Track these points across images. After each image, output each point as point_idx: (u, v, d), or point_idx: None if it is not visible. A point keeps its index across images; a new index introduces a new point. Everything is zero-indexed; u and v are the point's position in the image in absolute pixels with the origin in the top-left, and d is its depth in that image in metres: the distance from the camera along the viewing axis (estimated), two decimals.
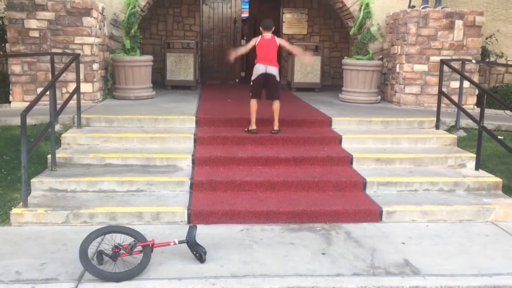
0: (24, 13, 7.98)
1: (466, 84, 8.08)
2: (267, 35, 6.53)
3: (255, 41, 6.55)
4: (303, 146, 6.46)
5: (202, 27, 12.69)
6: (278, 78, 6.54)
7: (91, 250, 3.94)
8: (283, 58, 12.59)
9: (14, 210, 4.83)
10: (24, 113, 4.70)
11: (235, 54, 6.64)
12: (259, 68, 6.48)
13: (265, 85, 6.53)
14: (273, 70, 6.48)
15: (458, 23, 8.66)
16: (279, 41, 6.59)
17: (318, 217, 5.02)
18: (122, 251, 3.90)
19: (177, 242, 4.11)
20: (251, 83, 6.63)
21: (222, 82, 12.64)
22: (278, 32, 12.78)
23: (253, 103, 6.56)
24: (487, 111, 6.53)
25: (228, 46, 12.83)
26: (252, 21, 13.10)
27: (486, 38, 10.04)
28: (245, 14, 12.33)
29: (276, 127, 6.57)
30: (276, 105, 6.58)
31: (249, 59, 13.05)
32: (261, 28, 6.63)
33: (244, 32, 12.06)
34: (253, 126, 6.54)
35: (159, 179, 5.46)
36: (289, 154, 6.08)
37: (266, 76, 6.46)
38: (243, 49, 6.76)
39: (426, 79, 8.77)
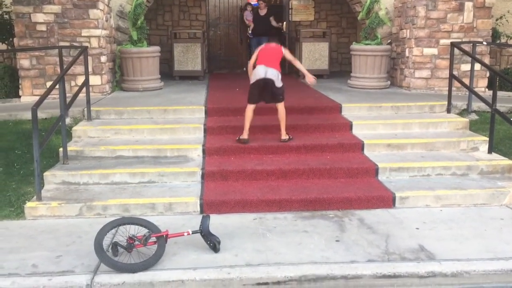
0: (31, 7, 7.97)
1: (477, 66, 7.97)
2: (273, 44, 6.27)
3: (258, 49, 6.20)
4: (314, 134, 6.43)
5: (208, 16, 12.62)
6: (278, 84, 5.97)
7: (106, 242, 3.95)
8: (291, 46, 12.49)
9: (28, 204, 4.86)
10: (35, 107, 4.71)
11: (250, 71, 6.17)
12: (259, 71, 5.91)
13: (264, 89, 5.99)
14: (273, 74, 5.90)
15: (468, 4, 8.53)
16: (284, 51, 6.14)
17: (331, 204, 5.00)
18: (136, 242, 3.92)
19: (190, 232, 4.12)
20: (250, 87, 6.09)
21: (230, 71, 12.59)
22: (285, 19, 12.69)
23: (249, 110, 6.01)
24: (499, 94, 6.43)
25: (235, 35, 12.79)
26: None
27: (497, 20, 9.90)
28: (254, 2, 12.23)
29: (283, 136, 6.03)
30: (280, 110, 6.03)
31: None
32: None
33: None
34: (244, 136, 5.97)
35: (170, 170, 5.46)
36: (299, 142, 6.06)
37: (265, 81, 5.90)
38: (251, 62, 6.18)
39: (436, 63, 8.67)
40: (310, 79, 6.12)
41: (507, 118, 6.03)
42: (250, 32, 11.85)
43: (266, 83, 5.90)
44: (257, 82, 5.94)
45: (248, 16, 11.98)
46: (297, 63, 6.33)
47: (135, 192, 5.19)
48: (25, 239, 4.35)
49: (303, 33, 11.04)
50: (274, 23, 11.64)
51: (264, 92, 5.99)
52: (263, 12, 11.61)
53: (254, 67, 6.05)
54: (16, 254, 4.04)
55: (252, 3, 12.40)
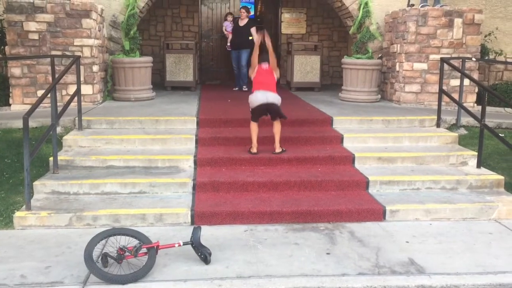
0: (23, 16, 7.96)
1: (466, 82, 8.10)
2: (264, 66, 6.17)
3: (254, 69, 6.19)
4: (305, 146, 6.46)
5: (201, 27, 12.69)
6: (279, 103, 6.06)
7: (96, 252, 3.93)
8: (283, 58, 12.59)
9: (17, 213, 4.82)
10: (26, 116, 4.68)
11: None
12: (259, 97, 5.95)
13: (267, 111, 6.07)
14: (275, 98, 5.99)
15: (457, 21, 8.68)
16: (274, 73, 6.17)
17: (322, 216, 5.02)
18: (127, 253, 3.90)
19: (181, 244, 4.10)
20: (251, 110, 6.11)
21: (222, 82, 12.62)
22: (276, 33, 12.80)
23: (253, 125, 6.09)
24: (487, 109, 6.54)
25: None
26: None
27: (485, 36, 10.06)
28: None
29: (277, 150, 6.08)
30: (277, 127, 6.10)
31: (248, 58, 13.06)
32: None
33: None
34: (253, 149, 6.06)
35: (161, 181, 5.45)
36: (291, 154, 6.08)
37: (268, 106, 5.96)
38: (252, 74, 6.23)
39: (426, 78, 8.78)
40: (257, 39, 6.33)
41: (495, 133, 6.12)
42: (228, 44, 10.82)
43: (269, 107, 5.98)
44: (259, 106, 5.96)
45: (228, 27, 10.88)
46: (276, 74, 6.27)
47: (126, 202, 5.16)
48: (14, 249, 4.30)
49: (295, 46, 11.14)
50: (254, 35, 9.93)
51: (268, 112, 6.08)
52: (243, 22, 10.48)
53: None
54: (5, 265, 4.00)
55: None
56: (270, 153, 6.02)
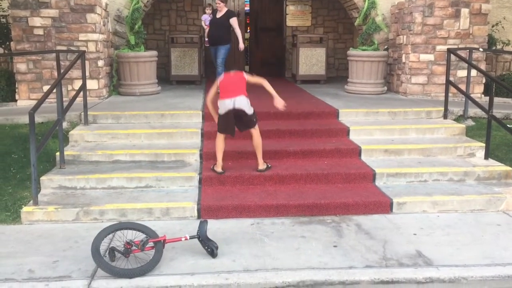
0: (28, 11, 7.96)
1: (473, 73, 8.03)
2: (232, 72, 5.59)
3: (217, 81, 5.59)
4: (311, 139, 6.44)
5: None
6: (249, 111, 5.40)
7: (103, 247, 3.93)
8: (287, 51, 12.54)
9: (25, 209, 4.84)
10: (32, 112, 4.69)
11: (214, 113, 5.66)
12: (226, 104, 5.34)
13: (234, 119, 5.43)
14: (242, 102, 5.33)
15: (464, 11, 8.59)
16: (247, 76, 5.47)
17: (328, 209, 5.00)
18: (134, 247, 3.91)
19: (188, 238, 4.10)
20: (218, 117, 5.51)
21: None
22: (281, 25, 12.74)
23: (219, 139, 5.51)
24: (495, 100, 6.46)
25: (232, 40, 12.78)
26: (254, 14, 13.00)
27: (492, 26, 9.97)
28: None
29: (260, 167, 5.51)
30: (256, 137, 5.49)
31: (252, 51, 13.01)
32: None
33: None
34: (218, 168, 5.46)
35: (167, 175, 5.45)
36: (297, 147, 6.06)
37: (235, 112, 5.36)
38: (209, 96, 5.62)
39: (432, 69, 8.71)
40: (278, 103, 5.44)
41: (503, 124, 6.06)
42: (206, 39, 9.49)
43: (236, 113, 5.37)
44: (226, 113, 5.38)
45: (206, 21, 9.64)
46: (265, 84, 5.44)
47: (132, 197, 5.17)
48: (22, 244, 4.32)
49: (300, 38, 11.08)
50: (237, 29, 8.87)
51: (235, 121, 5.45)
52: (220, 13, 8.97)
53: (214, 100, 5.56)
54: (13, 259, 4.02)
55: None
56: (275, 149, 5.97)
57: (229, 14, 8.93)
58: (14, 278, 3.71)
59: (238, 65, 12.60)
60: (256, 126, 5.52)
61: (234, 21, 8.87)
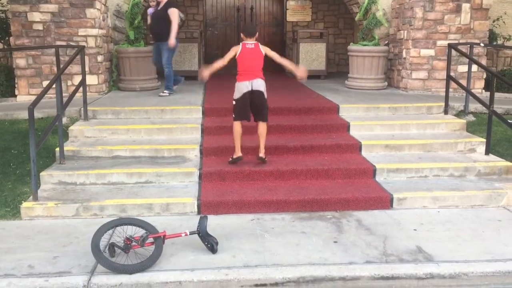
0: (27, 6, 7.93)
1: (474, 68, 7.99)
2: (250, 43, 5.42)
3: (235, 51, 5.43)
4: (311, 134, 6.43)
5: (205, 16, 12.61)
6: (265, 95, 5.45)
7: (103, 242, 3.93)
8: (288, 46, 12.50)
9: (25, 204, 4.83)
10: (32, 107, 4.68)
11: (208, 71, 5.54)
12: (243, 87, 5.35)
13: (251, 104, 5.42)
14: (260, 85, 5.36)
15: (465, 6, 8.55)
16: (264, 50, 5.43)
17: (329, 205, 5.00)
18: (134, 243, 3.90)
19: (188, 233, 4.10)
20: (234, 103, 5.48)
21: (227, 71, 12.52)
22: (282, 20, 12.70)
23: (237, 126, 5.46)
24: (496, 95, 6.43)
25: (232, 35, 12.77)
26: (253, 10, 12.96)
27: (494, 21, 9.94)
28: None
29: (261, 154, 5.51)
30: (262, 128, 5.50)
31: None
32: (242, 35, 5.54)
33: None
34: (238, 154, 5.49)
35: (167, 170, 5.44)
36: (297, 143, 6.04)
37: (252, 94, 5.35)
38: (219, 62, 5.52)
39: (433, 64, 8.68)
40: (300, 73, 5.50)
41: (504, 119, 6.04)
42: (151, 35, 8.60)
43: (254, 94, 5.38)
44: (243, 96, 5.36)
45: (150, 13, 8.65)
46: (283, 61, 5.57)
47: (132, 192, 5.16)
48: (22, 240, 4.32)
49: (301, 33, 11.05)
50: (173, 22, 7.84)
51: (253, 104, 5.44)
52: (161, 4, 8.11)
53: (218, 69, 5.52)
54: (12, 255, 4.01)
55: None
56: (275, 145, 5.95)
57: (167, 4, 8.00)
58: (14, 274, 3.71)
59: None
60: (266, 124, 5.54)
61: (171, 12, 7.91)
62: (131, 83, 8.80)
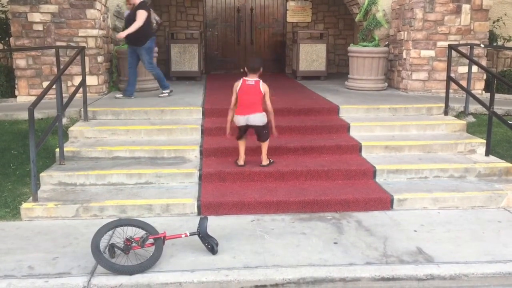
0: (28, 7, 7.93)
1: (474, 69, 7.99)
2: (251, 79, 5.41)
3: (235, 88, 5.44)
4: (311, 135, 6.42)
5: (206, 17, 12.60)
6: (264, 123, 5.46)
7: (103, 243, 3.92)
8: (288, 47, 12.50)
9: (24, 205, 4.83)
10: (32, 107, 4.68)
11: (228, 129, 5.61)
12: (240, 120, 5.43)
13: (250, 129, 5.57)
14: (256, 119, 5.39)
15: (465, 7, 8.55)
16: (264, 89, 5.39)
17: (329, 206, 4.99)
18: (134, 244, 3.90)
19: (188, 234, 4.09)
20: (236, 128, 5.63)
21: (227, 72, 12.57)
22: (282, 21, 12.69)
23: (240, 142, 5.64)
24: (496, 96, 6.44)
25: (232, 36, 12.77)
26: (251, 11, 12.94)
27: (494, 22, 9.94)
28: None
29: (264, 162, 5.59)
30: (264, 144, 5.63)
31: (255, 47, 12.99)
32: (246, 69, 5.53)
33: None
34: (240, 161, 5.59)
35: (167, 171, 5.44)
36: (297, 144, 6.04)
37: (249, 126, 5.48)
38: (230, 113, 5.56)
39: (433, 65, 8.68)
40: (274, 132, 5.61)
41: (504, 120, 6.04)
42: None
43: (251, 126, 5.49)
44: (240, 127, 5.52)
45: (126, 16, 8.35)
46: (268, 109, 5.49)
47: (132, 193, 5.16)
48: (21, 240, 4.31)
49: (301, 34, 11.04)
50: (136, 22, 7.50)
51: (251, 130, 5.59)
52: (132, 7, 7.87)
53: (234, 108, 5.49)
54: (12, 256, 4.01)
55: None
56: (275, 146, 5.94)
57: (137, 6, 7.68)
58: (13, 275, 3.70)
59: (238, 60, 12.56)
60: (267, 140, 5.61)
61: (138, 14, 7.57)
62: None
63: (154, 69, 8.12)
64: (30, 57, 8.08)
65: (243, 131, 5.58)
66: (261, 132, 5.57)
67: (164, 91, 8.17)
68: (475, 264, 3.91)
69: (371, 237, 4.39)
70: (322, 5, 12.68)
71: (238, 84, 5.46)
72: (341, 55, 12.59)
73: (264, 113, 5.48)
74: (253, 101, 5.39)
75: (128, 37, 7.71)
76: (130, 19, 7.76)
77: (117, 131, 6.38)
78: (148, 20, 7.76)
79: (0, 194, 5.11)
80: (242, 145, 5.66)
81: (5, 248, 4.15)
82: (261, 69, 5.53)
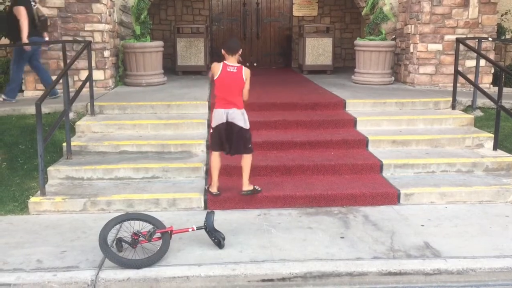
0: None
1: (481, 62, 7.92)
2: (231, 64, 4.73)
3: (215, 72, 4.75)
4: (318, 130, 6.41)
5: (211, 11, 12.56)
6: (245, 125, 4.76)
7: (110, 237, 3.95)
8: (294, 41, 12.46)
9: (32, 199, 4.86)
10: (39, 102, 4.70)
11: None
12: (218, 115, 4.73)
13: (227, 136, 4.77)
14: (236, 117, 4.70)
15: (473, 0, 8.48)
16: (246, 75, 4.74)
17: (335, 200, 4.99)
18: (141, 238, 3.91)
19: (195, 228, 4.10)
20: (211, 131, 4.92)
21: None
22: (288, 15, 12.64)
23: (214, 157, 4.84)
24: (504, 90, 6.39)
25: (238, 30, 12.73)
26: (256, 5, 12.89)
27: (502, 15, 9.85)
28: None
29: (245, 188, 4.85)
30: (245, 160, 4.83)
31: (262, 41, 12.96)
32: (223, 51, 4.81)
33: None
34: (214, 189, 4.89)
35: (174, 166, 5.45)
36: (303, 138, 6.03)
37: (228, 126, 4.73)
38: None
39: (440, 59, 8.62)
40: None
41: None
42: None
43: (229, 126, 4.73)
44: (217, 127, 4.76)
45: None
46: (245, 94, 4.83)
47: (139, 187, 5.17)
48: (29, 234, 4.34)
49: (307, 28, 10.99)
50: (21, 22, 6.95)
51: (229, 137, 4.78)
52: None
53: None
54: (21, 249, 4.04)
55: None
56: (281, 140, 5.92)
57: (13, 1, 7.14)
58: (22, 268, 3.73)
59: (243, 54, 12.51)
60: (251, 154, 4.86)
61: (16, 11, 6.99)
62: (137, 78, 8.80)
63: (14, 68, 7.40)
64: None
65: (222, 135, 4.74)
66: (240, 139, 4.72)
67: (2, 96, 7.49)
68: (482, 259, 3.90)
69: (378, 232, 4.38)
70: None
71: (218, 69, 4.71)
72: (347, 49, 12.52)
73: (244, 111, 4.77)
74: (234, 93, 4.70)
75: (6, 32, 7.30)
76: (8, 14, 7.25)
77: (124, 126, 6.39)
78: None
79: (8, 188, 5.14)
80: (216, 163, 4.82)
81: (14, 242, 4.18)
82: (240, 50, 4.81)
